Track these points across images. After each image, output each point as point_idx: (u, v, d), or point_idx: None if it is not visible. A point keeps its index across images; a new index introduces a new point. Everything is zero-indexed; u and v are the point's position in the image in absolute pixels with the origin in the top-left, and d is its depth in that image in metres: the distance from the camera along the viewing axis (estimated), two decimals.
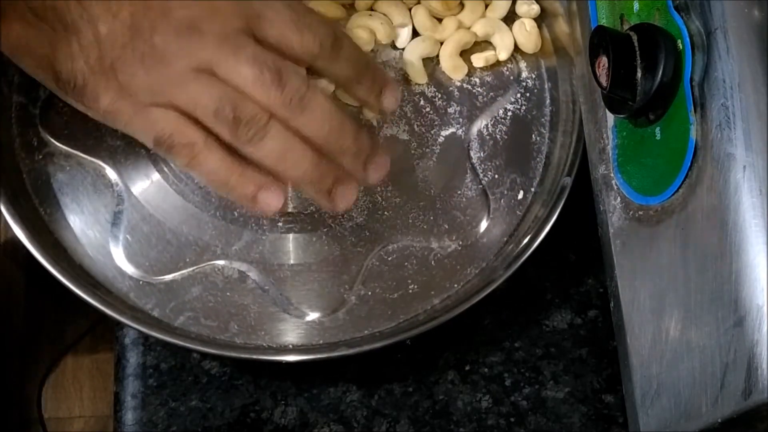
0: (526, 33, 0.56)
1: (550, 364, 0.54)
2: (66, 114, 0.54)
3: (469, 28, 0.56)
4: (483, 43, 0.57)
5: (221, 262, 0.51)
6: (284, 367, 0.53)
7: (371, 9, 0.56)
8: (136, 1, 0.41)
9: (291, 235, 0.52)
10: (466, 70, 0.56)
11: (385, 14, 0.55)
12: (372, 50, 0.55)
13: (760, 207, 0.34)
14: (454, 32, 0.55)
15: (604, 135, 0.47)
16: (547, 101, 0.56)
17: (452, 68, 0.55)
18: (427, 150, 0.54)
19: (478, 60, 0.56)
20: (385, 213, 0.53)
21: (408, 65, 0.55)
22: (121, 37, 0.41)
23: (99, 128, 0.53)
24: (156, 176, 0.53)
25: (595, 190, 0.48)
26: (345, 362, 0.53)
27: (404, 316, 0.51)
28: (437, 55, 0.56)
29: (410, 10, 0.56)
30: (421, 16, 0.55)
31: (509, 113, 0.56)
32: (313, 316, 0.51)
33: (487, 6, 0.57)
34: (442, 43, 0.55)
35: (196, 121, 0.42)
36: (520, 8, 0.56)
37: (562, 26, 0.56)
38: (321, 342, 0.50)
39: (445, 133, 0.55)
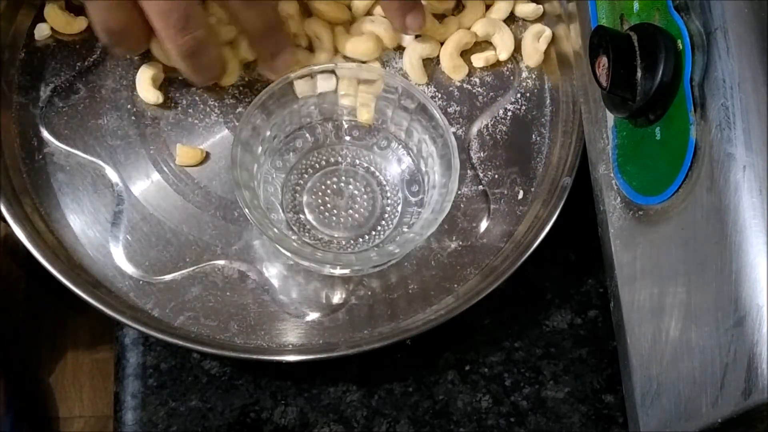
0: (535, 46, 0.56)
1: (550, 364, 0.54)
2: (66, 114, 0.54)
3: (469, 29, 0.56)
4: (483, 44, 0.57)
5: (221, 262, 0.52)
6: (284, 367, 0.53)
7: (371, 12, 0.56)
8: None
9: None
10: (466, 71, 0.56)
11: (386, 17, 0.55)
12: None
13: (760, 207, 0.34)
14: (455, 32, 0.55)
15: (604, 135, 0.47)
16: (547, 101, 0.56)
17: (452, 68, 0.55)
18: None
19: (478, 60, 0.56)
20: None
21: (408, 66, 0.55)
22: None
23: (99, 128, 0.53)
24: (156, 176, 0.53)
25: (595, 190, 0.48)
26: (345, 362, 0.53)
27: (404, 316, 0.51)
28: (438, 56, 0.56)
29: None
30: None
31: (509, 113, 0.56)
32: (313, 316, 0.51)
33: (488, 7, 0.57)
34: (442, 44, 0.56)
35: None
36: (522, 10, 0.57)
37: (562, 28, 0.56)
38: (321, 342, 0.50)
39: None
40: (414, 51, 0.55)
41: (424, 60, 0.55)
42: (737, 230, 0.35)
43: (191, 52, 0.48)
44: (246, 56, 0.54)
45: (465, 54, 0.56)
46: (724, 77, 0.36)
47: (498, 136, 0.55)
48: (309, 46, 0.55)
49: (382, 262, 0.50)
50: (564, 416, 0.54)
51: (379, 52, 0.55)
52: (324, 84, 0.51)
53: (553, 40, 0.57)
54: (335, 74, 0.51)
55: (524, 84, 0.56)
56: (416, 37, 0.55)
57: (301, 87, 0.50)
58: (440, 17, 0.56)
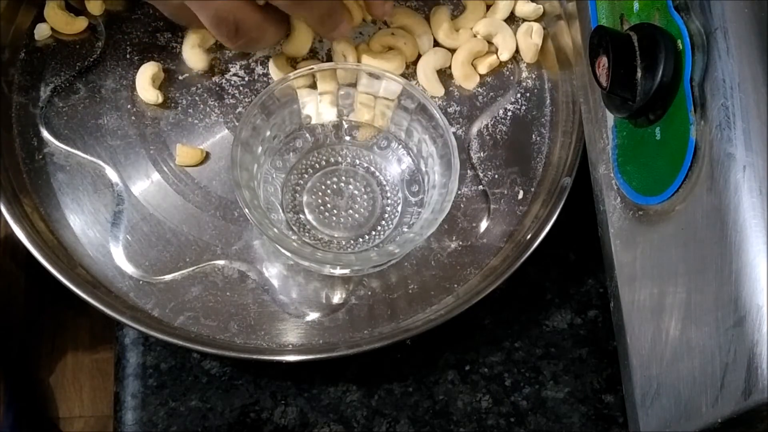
0: (529, 42, 0.56)
1: (550, 364, 0.54)
2: (66, 114, 0.54)
3: (474, 33, 0.56)
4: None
5: (221, 262, 0.52)
6: (284, 367, 0.53)
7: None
8: None
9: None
10: (477, 80, 0.56)
11: (402, 28, 0.55)
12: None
13: (760, 207, 0.34)
14: (466, 42, 0.55)
15: (604, 135, 0.47)
16: (547, 101, 0.56)
17: (464, 77, 0.55)
18: None
19: (483, 67, 0.56)
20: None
21: (423, 78, 0.55)
22: None
23: (99, 128, 0.53)
24: (156, 176, 0.53)
25: (595, 190, 0.48)
26: (345, 362, 0.53)
27: (404, 316, 0.51)
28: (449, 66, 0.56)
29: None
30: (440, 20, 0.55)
31: (509, 113, 0.56)
32: (313, 316, 0.51)
33: (489, 7, 0.57)
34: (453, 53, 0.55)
35: None
36: (522, 9, 0.56)
37: (562, 28, 0.56)
38: (321, 342, 0.50)
39: None
40: (427, 63, 0.55)
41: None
42: (737, 230, 0.35)
43: (246, 48, 0.54)
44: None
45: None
46: (724, 77, 0.36)
47: (498, 136, 0.55)
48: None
49: (382, 262, 0.50)
50: (564, 416, 0.54)
51: (404, 67, 0.55)
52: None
53: (553, 40, 0.57)
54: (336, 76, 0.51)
55: (524, 84, 0.56)
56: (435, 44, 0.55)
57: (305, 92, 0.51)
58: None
